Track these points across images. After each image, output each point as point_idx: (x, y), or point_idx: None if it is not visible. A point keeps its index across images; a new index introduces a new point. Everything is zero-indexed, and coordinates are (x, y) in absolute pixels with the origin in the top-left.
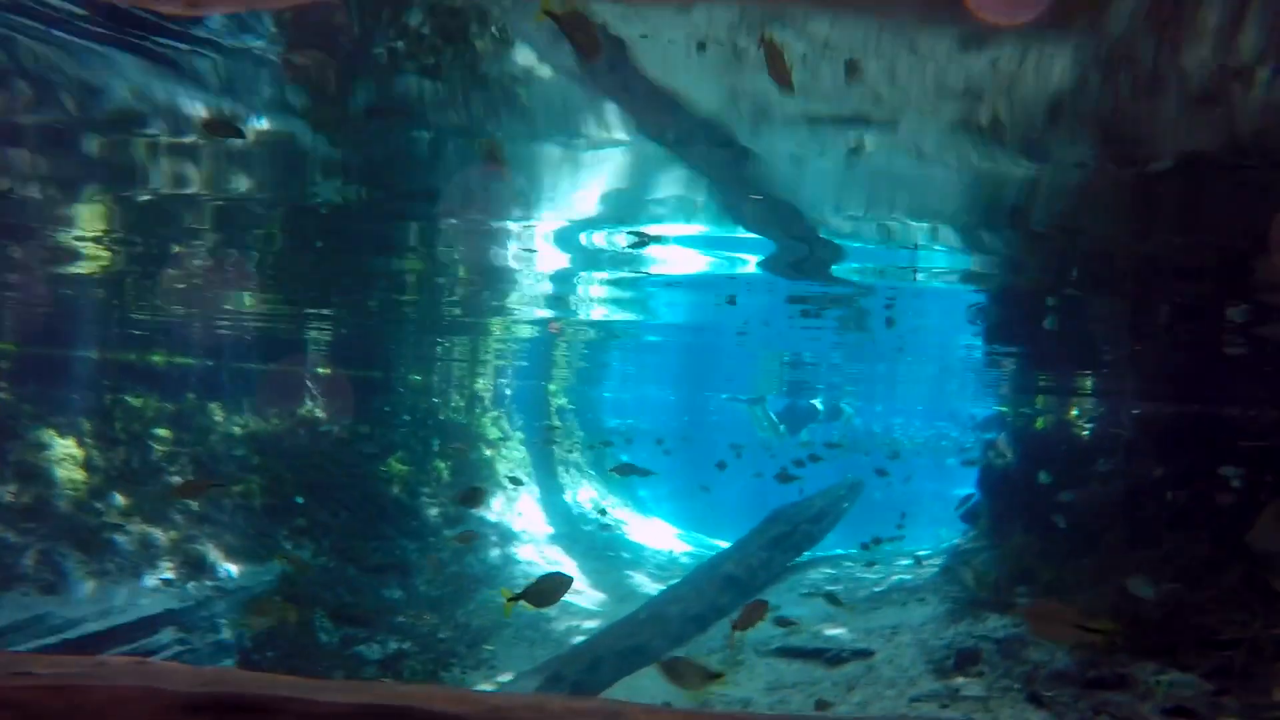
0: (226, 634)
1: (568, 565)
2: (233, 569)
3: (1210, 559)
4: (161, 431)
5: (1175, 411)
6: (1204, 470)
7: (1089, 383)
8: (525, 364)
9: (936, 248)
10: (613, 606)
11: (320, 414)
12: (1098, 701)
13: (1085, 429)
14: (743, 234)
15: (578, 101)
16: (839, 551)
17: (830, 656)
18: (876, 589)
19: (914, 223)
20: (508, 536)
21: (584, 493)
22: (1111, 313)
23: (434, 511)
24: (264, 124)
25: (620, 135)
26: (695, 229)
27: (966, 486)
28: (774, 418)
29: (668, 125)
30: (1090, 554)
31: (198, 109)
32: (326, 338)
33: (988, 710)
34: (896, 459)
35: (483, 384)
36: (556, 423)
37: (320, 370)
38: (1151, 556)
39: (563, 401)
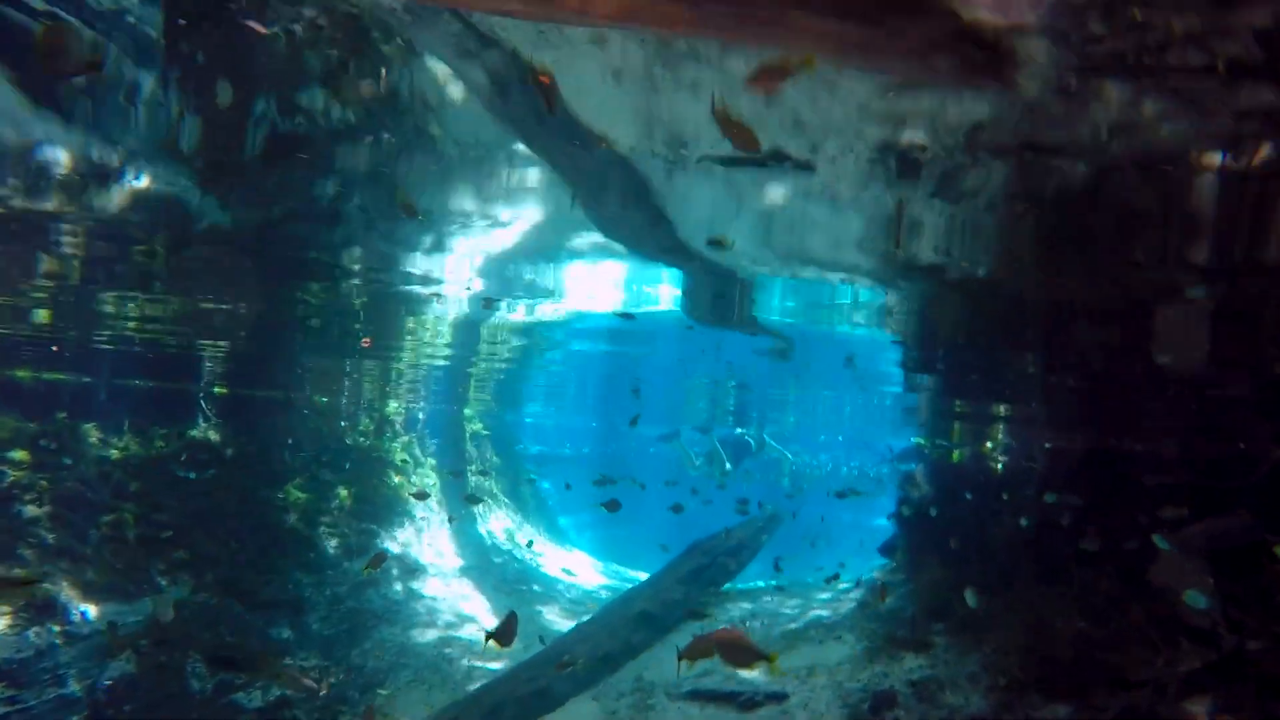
0: (74, 686)
1: (476, 600)
2: (91, 609)
3: (1117, 595)
4: (17, 455)
5: (1085, 447)
6: (1111, 505)
7: (1003, 415)
8: (439, 388)
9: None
10: (521, 646)
11: (213, 436)
12: None
13: (999, 462)
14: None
15: (490, 136)
16: (759, 584)
17: (743, 700)
18: (793, 625)
19: (830, 273)
20: (413, 570)
21: (497, 522)
22: (1022, 349)
23: (333, 543)
24: (144, 181)
25: (532, 180)
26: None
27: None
28: (720, 450)
29: (582, 161)
30: (1004, 589)
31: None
32: (222, 355)
33: None
34: (847, 494)
35: (394, 407)
36: (470, 448)
37: (216, 389)
38: (1062, 592)
39: (478, 427)
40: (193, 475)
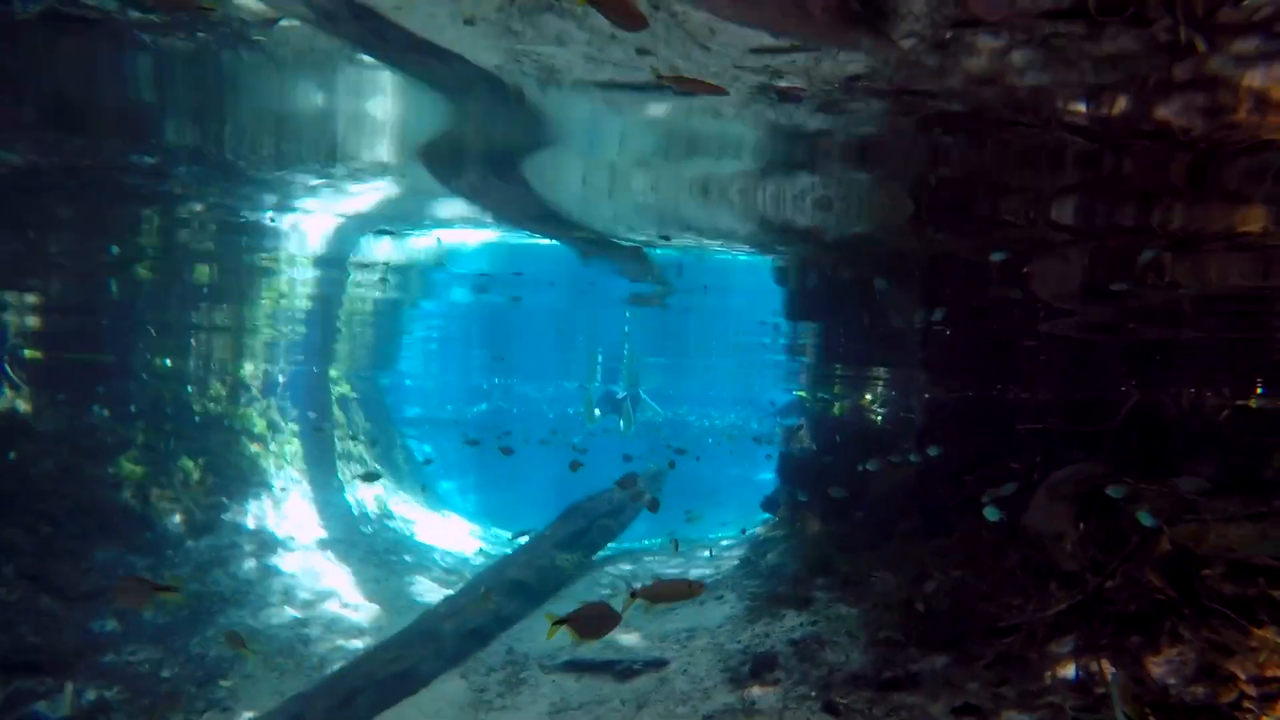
0: None
1: (340, 574)
2: None
3: (993, 544)
4: None
5: (962, 396)
6: (988, 454)
7: (883, 368)
8: (302, 348)
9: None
10: (389, 620)
11: (24, 406)
12: (891, 705)
13: (880, 414)
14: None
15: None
16: (646, 543)
17: (621, 669)
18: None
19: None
20: (269, 545)
21: (368, 490)
22: (902, 300)
23: (175, 519)
24: None
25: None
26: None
27: (768, 472)
28: (628, 408)
29: (441, 74)
30: (886, 542)
31: None
32: (32, 315)
33: None
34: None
35: (250, 369)
36: (338, 412)
37: (27, 353)
38: (942, 544)
39: (345, 389)
40: None
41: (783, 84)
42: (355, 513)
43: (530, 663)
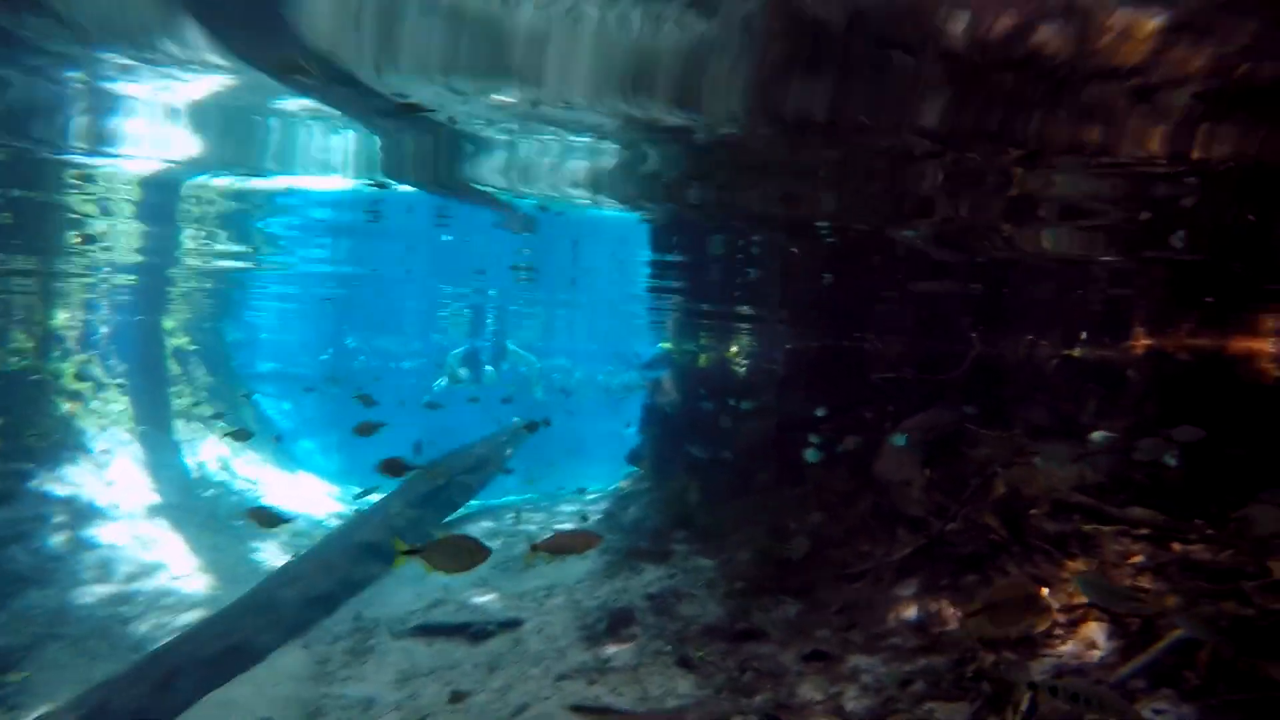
0: None
1: (172, 544)
2: None
3: (846, 492)
4: None
5: (819, 345)
6: (843, 403)
7: (746, 317)
8: (129, 296)
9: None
10: (228, 591)
11: None
12: (744, 656)
13: (743, 365)
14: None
15: None
16: (512, 499)
17: (475, 631)
18: (535, 542)
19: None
20: (84, 515)
21: (209, 450)
22: (762, 249)
23: None
24: None
25: None
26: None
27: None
28: (480, 359)
29: None
30: (746, 494)
31: None
32: None
33: (636, 681)
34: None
35: (64, 319)
36: (174, 366)
37: None
38: (799, 493)
39: (183, 341)
40: None
41: None
42: (194, 475)
43: (379, 629)
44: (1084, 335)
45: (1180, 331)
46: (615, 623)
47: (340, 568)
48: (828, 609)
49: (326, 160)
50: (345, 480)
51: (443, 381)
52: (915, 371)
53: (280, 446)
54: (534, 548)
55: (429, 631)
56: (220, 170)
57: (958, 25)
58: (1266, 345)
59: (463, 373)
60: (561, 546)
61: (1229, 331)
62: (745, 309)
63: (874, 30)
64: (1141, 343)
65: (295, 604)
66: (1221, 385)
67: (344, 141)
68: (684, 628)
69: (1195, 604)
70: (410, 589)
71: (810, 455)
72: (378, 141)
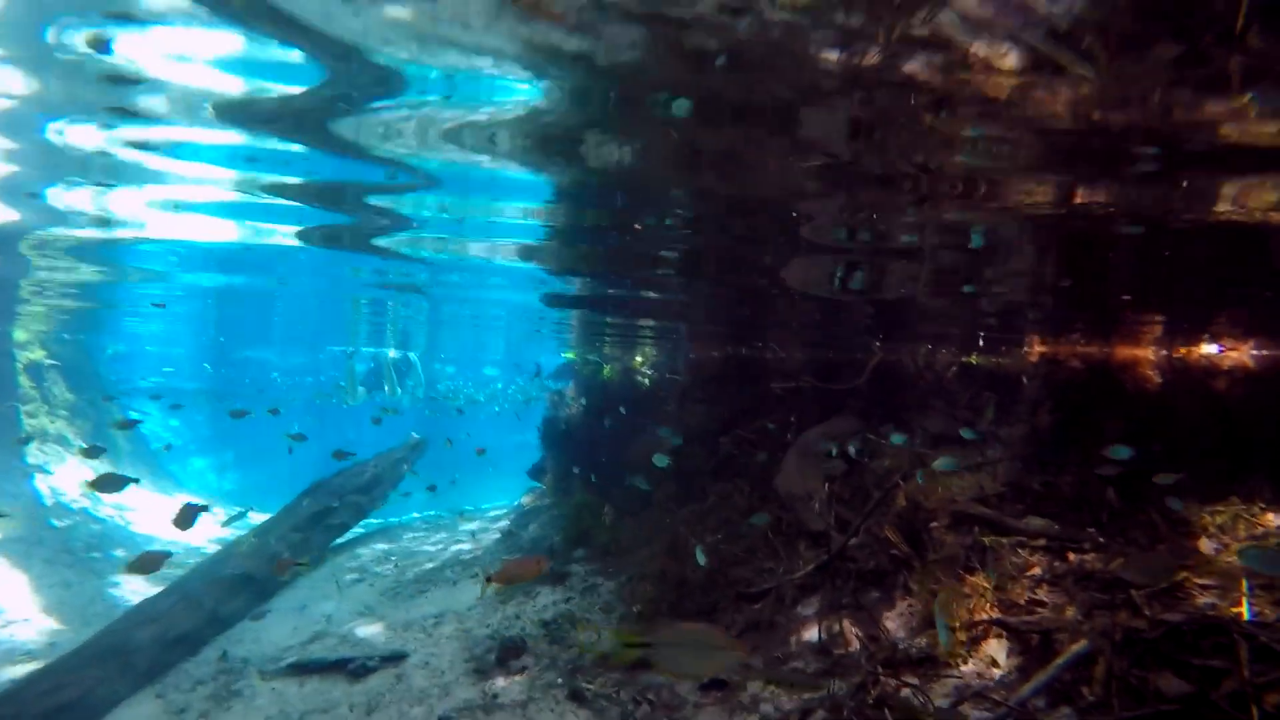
0: None
1: (11, 582)
2: None
3: (747, 507)
4: None
5: (723, 355)
6: (745, 415)
7: (650, 327)
8: None
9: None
10: (74, 636)
11: None
12: (640, 687)
13: (647, 376)
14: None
15: None
16: (412, 517)
17: (354, 668)
18: (430, 565)
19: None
20: None
21: (68, 474)
22: (664, 257)
23: None
24: None
25: None
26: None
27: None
28: (391, 373)
29: None
30: (646, 509)
31: None
32: None
33: (526, 717)
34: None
35: None
36: (26, 382)
37: None
38: (698, 510)
39: (38, 355)
40: None
41: None
42: (47, 503)
43: (248, 669)
44: (981, 342)
45: (1071, 339)
46: (506, 653)
47: (206, 603)
48: (729, 630)
49: None
50: (238, 501)
51: (357, 398)
52: (816, 380)
53: (158, 467)
54: (488, 579)
55: (304, 670)
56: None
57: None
58: (1149, 354)
59: (361, 391)
60: (513, 575)
61: (1113, 341)
62: (648, 319)
63: None
64: (1036, 350)
65: (151, 647)
66: (1110, 392)
67: None
68: (578, 656)
69: (1091, 616)
70: (290, 622)
71: (658, 460)
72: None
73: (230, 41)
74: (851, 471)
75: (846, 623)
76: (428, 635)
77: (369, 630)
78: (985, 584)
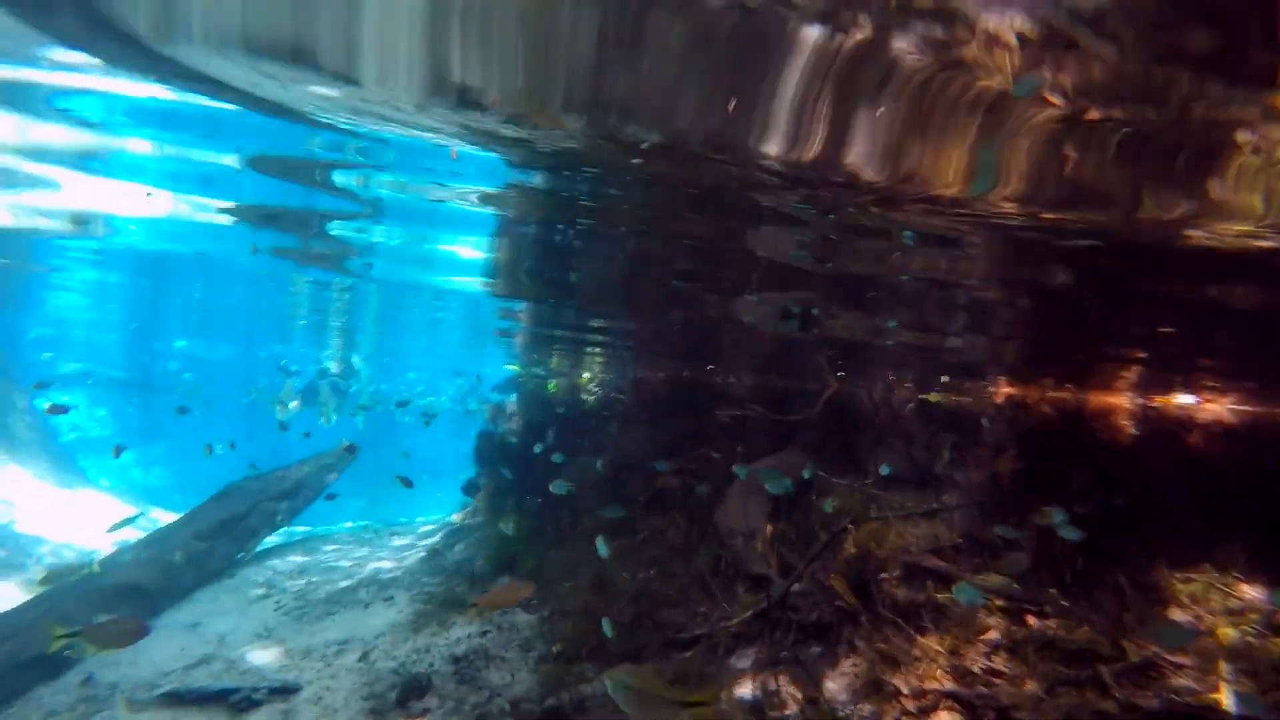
0: None
1: None
2: None
3: (683, 544)
4: None
5: (669, 376)
6: (687, 443)
7: (598, 342)
8: None
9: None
10: None
11: None
12: None
13: (592, 394)
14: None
15: None
16: (338, 528)
17: (237, 700)
18: (345, 583)
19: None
20: None
21: None
22: (611, 269)
23: None
24: None
25: None
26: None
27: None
28: (326, 391)
29: None
30: (575, 537)
31: None
32: None
33: None
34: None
35: None
36: None
37: None
38: (629, 543)
39: None
40: None
41: None
42: None
43: (114, 698)
44: (945, 379)
45: (1042, 382)
46: (408, 693)
47: (76, 618)
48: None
49: None
50: (161, 499)
51: (286, 411)
52: (765, 409)
53: (64, 461)
54: (473, 604)
55: (179, 700)
56: None
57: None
58: (1124, 401)
59: (293, 405)
60: (497, 601)
61: (1087, 386)
62: (595, 337)
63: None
64: (1003, 391)
65: (4, 669)
66: (1079, 440)
67: None
68: (487, 700)
69: (1054, 693)
70: (178, 641)
71: (557, 488)
72: None
73: None
74: (797, 510)
75: (785, 680)
76: (327, 665)
77: (264, 656)
78: (938, 647)
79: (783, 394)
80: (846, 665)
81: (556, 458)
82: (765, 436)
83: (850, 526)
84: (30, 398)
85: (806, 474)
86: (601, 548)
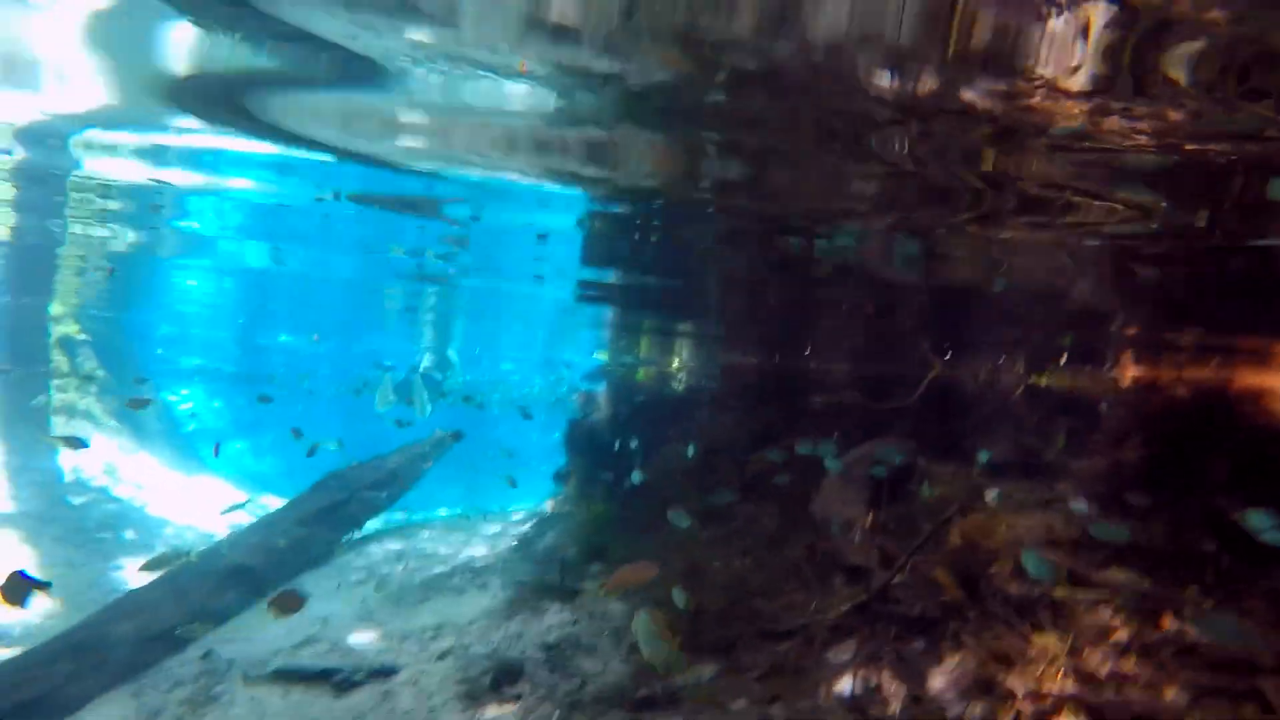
0: None
1: (17, 559)
2: None
3: (777, 532)
4: None
5: (760, 363)
6: (779, 430)
7: (689, 330)
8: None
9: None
10: (65, 622)
11: None
12: None
13: (682, 381)
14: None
15: None
16: (437, 515)
17: (340, 680)
18: (440, 569)
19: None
20: None
21: (93, 451)
22: (704, 254)
23: None
24: None
25: None
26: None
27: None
28: (419, 385)
29: None
30: (665, 525)
31: None
32: None
33: None
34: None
35: None
36: (58, 357)
37: None
38: (721, 532)
39: (72, 330)
40: None
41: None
42: (66, 480)
43: (232, 672)
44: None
45: (1177, 360)
46: (501, 677)
47: (195, 596)
48: (749, 673)
49: None
50: (272, 486)
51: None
52: (862, 397)
53: (187, 449)
54: (603, 587)
55: (288, 677)
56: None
57: None
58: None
59: (391, 397)
60: (627, 582)
61: (1236, 363)
62: (683, 323)
63: None
64: (1129, 372)
65: (130, 641)
66: (1222, 428)
67: None
68: (579, 688)
69: (1200, 704)
70: (286, 621)
71: (635, 478)
72: None
73: None
74: (897, 499)
75: (887, 675)
76: (423, 649)
77: (364, 638)
78: (1056, 646)
79: (881, 380)
80: (951, 662)
81: (644, 445)
82: (861, 424)
83: (956, 516)
84: (156, 390)
85: (900, 459)
86: (679, 520)
